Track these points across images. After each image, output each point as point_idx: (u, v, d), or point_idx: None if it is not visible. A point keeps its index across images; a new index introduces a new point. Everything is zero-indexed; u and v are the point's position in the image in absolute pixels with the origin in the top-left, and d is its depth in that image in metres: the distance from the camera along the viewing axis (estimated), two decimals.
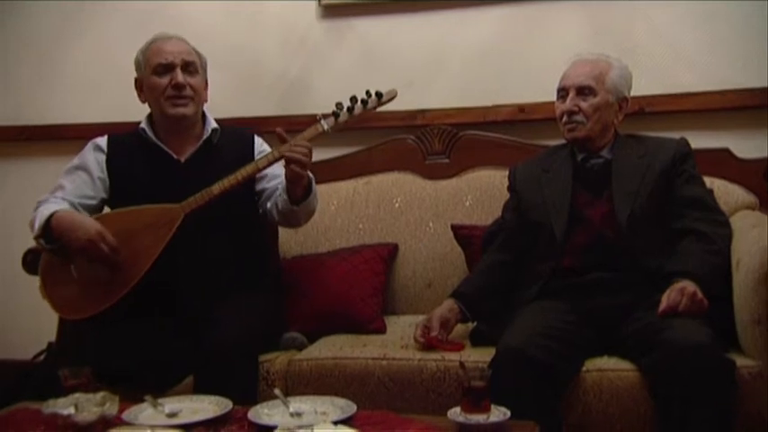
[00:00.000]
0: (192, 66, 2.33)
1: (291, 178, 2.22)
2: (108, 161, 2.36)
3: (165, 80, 2.30)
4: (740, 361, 1.90)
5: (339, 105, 2.28)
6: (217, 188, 2.21)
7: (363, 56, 3.00)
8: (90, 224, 2.18)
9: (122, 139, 2.41)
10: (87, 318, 2.20)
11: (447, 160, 2.82)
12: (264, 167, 2.27)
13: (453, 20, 2.92)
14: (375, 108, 2.34)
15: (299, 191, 2.26)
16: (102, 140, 2.40)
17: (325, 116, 2.28)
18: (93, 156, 2.37)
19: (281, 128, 2.23)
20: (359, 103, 2.29)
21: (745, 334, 1.97)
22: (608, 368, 1.98)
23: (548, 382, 1.90)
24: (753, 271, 1.93)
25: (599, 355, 2.03)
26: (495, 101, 2.86)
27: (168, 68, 2.30)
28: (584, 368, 1.98)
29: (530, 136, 2.77)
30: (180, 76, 2.29)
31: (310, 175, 2.27)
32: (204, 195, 2.21)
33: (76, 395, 1.67)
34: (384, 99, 2.33)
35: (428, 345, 2.15)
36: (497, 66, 2.88)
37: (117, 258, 2.16)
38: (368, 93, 2.30)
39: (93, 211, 2.35)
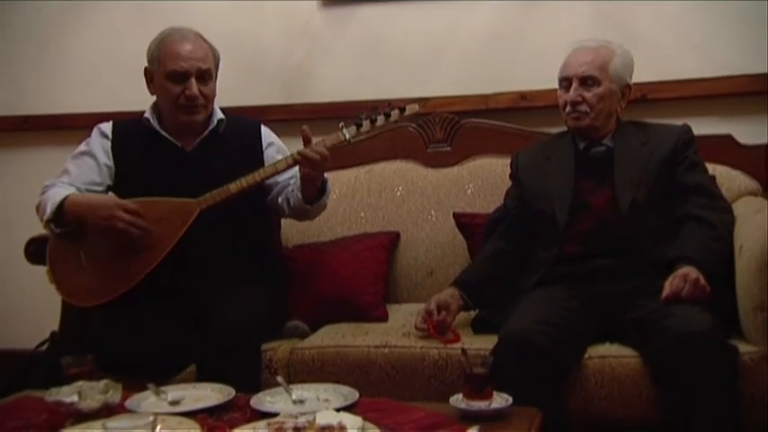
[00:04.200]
0: (208, 73, 2.29)
1: (305, 179, 2.24)
2: (113, 147, 2.36)
3: (178, 88, 2.26)
4: (742, 347, 1.90)
5: (361, 115, 2.30)
6: (234, 187, 2.21)
7: (365, 44, 2.99)
8: (107, 199, 2.21)
9: (128, 126, 2.40)
10: (94, 305, 2.20)
11: (449, 148, 2.82)
12: (284, 170, 2.28)
13: (455, 7, 2.91)
14: (396, 121, 2.36)
15: (312, 191, 2.28)
16: (107, 126, 2.39)
17: (346, 125, 2.29)
18: (99, 141, 2.37)
19: (305, 126, 2.23)
20: (381, 114, 2.31)
21: (748, 320, 1.97)
22: (610, 355, 1.98)
23: (550, 368, 1.90)
24: (755, 257, 1.93)
25: (601, 341, 2.03)
26: (496, 88, 2.84)
27: (183, 77, 2.26)
28: (586, 355, 1.99)
29: (532, 123, 2.76)
30: (194, 88, 2.25)
31: (325, 176, 2.29)
32: (222, 193, 2.21)
33: (80, 383, 1.68)
34: (407, 114, 2.36)
35: (427, 333, 2.15)
36: (499, 53, 2.87)
37: (142, 226, 2.15)
38: (390, 105, 2.33)
39: None
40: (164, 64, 2.28)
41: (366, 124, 2.29)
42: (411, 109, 2.36)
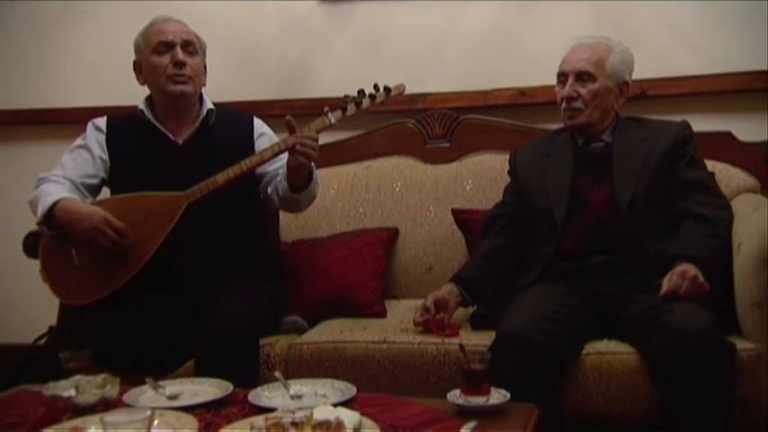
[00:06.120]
0: (192, 46, 2.33)
1: (294, 168, 2.23)
2: (107, 141, 2.36)
3: (165, 59, 2.29)
4: (740, 344, 1.90)
5: (347, 98, 2.28)
6: (221, 178, 2.21)
7: (364, 40, 2.99)
8: (94, 212, 2.17)
9: (121, 120, 2.41)
10: (88, 303, 2.20)
11: (447, 144, 2.81)
12: (270, 159, 2.27)
13: (454, 3, 2.90)
14: (383, 102, 2.34)
15: (300, 180, 2.27)
16: (101, 121, 2.41)
17: (332, 109, 2.28)
18: (94, 135, 2.38)
19: (289, 115, 2.22)
20: (367, 96, 2.29)
21: (746, 317, 1.97)
22: (608, 351, 1.98)
23: (547, 365, 1.90)
24: (753, 254, 1.93)
25: (599, 338, 2.03)
26: (495, 84, 2.84)
27: (169, 47, 2.30)
28: (584, 351, 1.99)
29: (531, 119, 2.76)
30: (180, 54, 2.29)
31: (312, 164, 2.28)
32: (209, 185, 2.21)
33: (77, 377, 1.67)
34: (393, 94, 2.34)
35: (426, 328, 2.16)
36: (498, 49, 2.86)
37: (126, 242, 2.16)
38: (376, 86, 2.31)
39: (94, 190, 2.36)
40: (149, 42, 2.32)
41: (351, 107, 2.28)
42: (397, 89, 2.34)
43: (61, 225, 2.19)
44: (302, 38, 3.05)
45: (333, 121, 2.27)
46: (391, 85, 2.32)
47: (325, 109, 2.28)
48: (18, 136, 3.33)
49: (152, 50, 2.31)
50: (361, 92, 2.29)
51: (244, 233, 2.34)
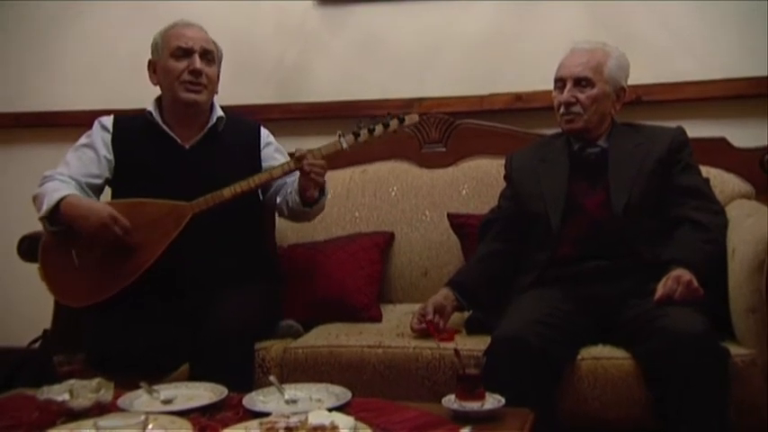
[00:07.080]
0: (210, 55, 2.33)
1: (304, 189, 2.26)
2: (113, 140, 2.36)
3: (182, 64, 2.29)
4: (734, 349, 1.90)
5: (360, 124, 2.31)
6: (228, 192, 2.22)
7: (360, 43, 3.00)
8: (101, 208, 2.18)
9: (128, 120, 2.41)
10: (84, 306, 2.20)
11: (444, 149, 2.82)
12: (279, 177, 2.30)
13: (451, 7, 2.91)
14: (395, 131, 2.36)
15: (312, 196, 2.29)
16: (108, 120, 2.40)
17: (344, 134, 2.30)
18: (100, 134, 2.37)
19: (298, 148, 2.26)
20: (380, 124, 2.32)
21: (740, 322, 1.97)
22: (603, 356, 1.98)
23: (543, 369, 1.90)
24: (748, 260, 1.94)
25: (594, 343, 2.03)
26: (492, 89, 2.85)
27: (187, 53, 2.30)
28: (579, 356, 1.99)
29: (527, 124, 2.77)
30: (198, 63, 2.29)
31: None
32: (215, 197, 2.22)
33: (72, 381, 1.67)
34: (406, 123, 2.37)
35: (424, 331, 2.15)
36: (495, 54, 2.87)
37: (130, 240, 2.16)
38: (389, 114, 2.33)
39: (98, 190, 2.36)
40: (168, 45, 2.32)
41: (364, 134, 2.30)
42: (410, 119, 2.38)
43: (66, 221, 2.18)
44: (299, 41, 3.05)
45: (345, 146, 2.29)
46: (405, 117, 2.36)
47: (338, 133, 2.30)
48: (18, 138, 3.32)
49: (170, 54, 2.30)
50: (374, 119, 2.31)
51: (242, 240, 2.35)
